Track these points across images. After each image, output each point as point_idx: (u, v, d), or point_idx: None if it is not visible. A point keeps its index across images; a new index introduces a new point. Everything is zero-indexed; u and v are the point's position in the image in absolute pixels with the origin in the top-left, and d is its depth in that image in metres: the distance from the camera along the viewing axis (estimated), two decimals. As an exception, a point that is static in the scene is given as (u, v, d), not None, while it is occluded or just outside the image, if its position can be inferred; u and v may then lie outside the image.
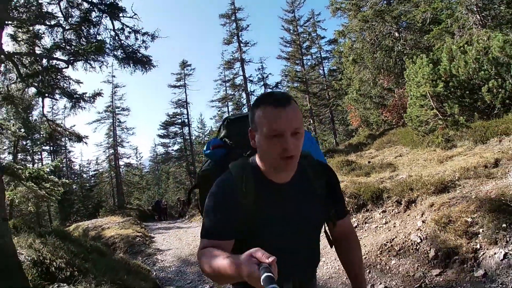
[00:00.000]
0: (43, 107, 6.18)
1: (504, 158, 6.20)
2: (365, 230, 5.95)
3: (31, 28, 5.05)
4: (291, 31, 27.63)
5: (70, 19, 5.32)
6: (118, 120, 29.63)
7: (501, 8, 11.47)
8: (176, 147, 33.42)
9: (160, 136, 32.79)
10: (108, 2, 5.44)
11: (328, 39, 28.77)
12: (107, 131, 29.88)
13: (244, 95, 27.54)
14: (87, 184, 32.16)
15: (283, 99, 1.19)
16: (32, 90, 5.84)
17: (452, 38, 11.53)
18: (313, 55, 29.34)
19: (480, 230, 4.14)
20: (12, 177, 5.53)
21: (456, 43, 9.92)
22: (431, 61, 9.71)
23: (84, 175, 34.46)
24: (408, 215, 5.48)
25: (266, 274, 0.83)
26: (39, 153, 29.66)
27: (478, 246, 3.98)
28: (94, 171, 34.64)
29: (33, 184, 5.79)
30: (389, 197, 6.19)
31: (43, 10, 5.00)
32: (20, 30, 4.97)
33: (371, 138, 15.27)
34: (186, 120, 32.03)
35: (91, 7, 5.36)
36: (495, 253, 3.74)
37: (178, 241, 10.25)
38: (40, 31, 5.24)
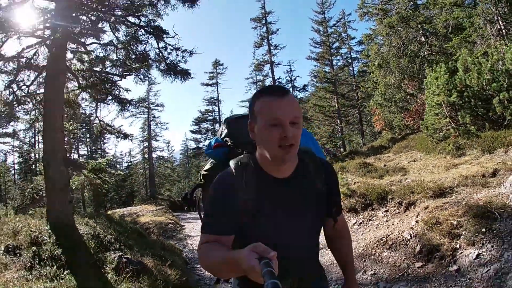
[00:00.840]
0: (96, 110, 7.40)
1: (503, 168, 6.67)
2: (368, 226, 6.68)
3: (93, 52, 6.21)
4: (321, 32, 28.05)
5: (121, 37, 6.47)
6: (152, 115, 31.34)
7: None
8: (207, 142, 34.70)
9: (192, 131, 34.43)
10: (153, 25, 6.52)
11: (358, 39, 28.82)
12: (142, 125, 31.65)
13: None
14: (121, 173, 34.12)
15: (281, 90, 1.25)
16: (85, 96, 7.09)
17: (472, 47, 11.81)
18: (343, 55, 29.61)
19: (463, 232, 4.77)
20: (76, 168, 6.71)
21: (473, 54, 10.26)
22: (449, 70, 10.10)
23: (118, 166, 36.52)
24: (406, 215, 6.15)
25: (266, 269, 0.84)
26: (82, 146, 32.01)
27: (457, 246, 4.63)
28: (127, 162, 36.69)
29: (93, 174, 6.95)
30: (392, 198, 6.85)
31: (99, 34, 6.15)
32: (85, 54, 6.13)
33: (392, 142, 15.65)
34: (218, 117, 33.34)
35: (139, 28, 6.45)
36: (470, 253, 4.38)
37: (206, 229, 11.32)
38: (98, 52, 6.42)
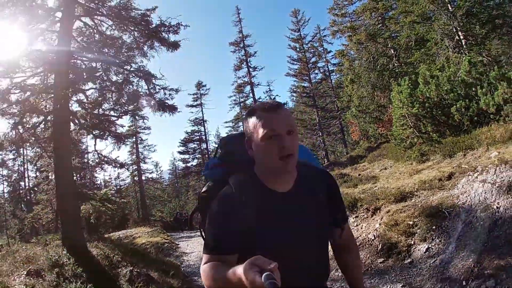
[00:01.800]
0: (95, 144, 8.24)
1: (458, 172, 7.48)
2: None
3: (93, 99, 7.09)
4: (298, 49, 29.33)
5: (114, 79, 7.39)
6: (140, 138, 32.00)
7: (476, 28, 12.65)
8: (195, 161, 35.61)
9: (179, 152, 35.18)
10: (143, 70, 7.47)
11: (334, 52, 30.30)
12: (130, 149, 32.23)
13: None
14: (125, 201, 34.32)
15: (275, 104, 1.28)
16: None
17: (434, 60, 13.00)
18: (321, 69, 30.99)
19: (417, 231, 5.63)
20: (86, 200, 7.52)
21: (433, 67, 11.41)
22: (411, 84, 11.20)
23: (105, 190, 36.73)
24: (373, 219, 6.99)
25: (269, 281, 0.83)
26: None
27: (412, 242, 5.49)
28: (116, 185, 37.03)
29: (99, 203, 7.76)
30: (361, 205, 7.68)
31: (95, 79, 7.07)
32: (86, 101, 7.00)
33: (369, 151, 16.71)
34: (204, 137, 34.24)
35: (131, 73, 7.38)
36: (421, 248, 5.21)
37: (200, 246, 12.01)
38: (95, 96, 7.30)
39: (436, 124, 10.43)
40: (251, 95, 28.83)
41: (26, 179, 31.27)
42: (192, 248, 11.80)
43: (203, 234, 1.48)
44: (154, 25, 7.48)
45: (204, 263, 1.24)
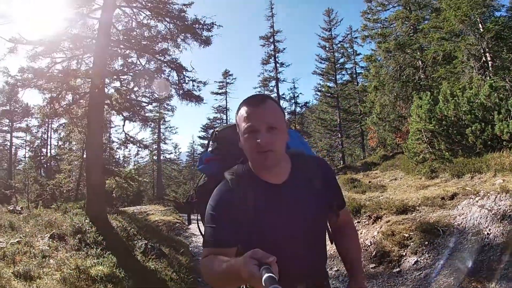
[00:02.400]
0: (123, 125, 8.96)
1: (461, 193, 7.69)
2: None
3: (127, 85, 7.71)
4: (327, 49, 29.45)
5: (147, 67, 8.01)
6: (163, 119, 32.91)
7: (503, 52, 12.59)
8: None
9: (200, 137, 36.20)
10: (175, 61, 8.06)
11: (363, 55, 30.19)
12: (152, 129, 33.26)
13: None
14: (146, 180, 35.28)
15: (258, 99, 1.30)
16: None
17: (457, 78, 13.00)
18: (348, 70, 30.92)
19: (411, 243, 5.99)
20: (111, 175, 8.28)
21: (455, 86, 11.48)
22: (433, 100, 11.34)
23: (125, 165, 38.10)
24: (373, 226, 7.35)
25: (267, 274, 0.84)
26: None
27: (404, 253, 5.87)
28: (134, 162, 38.33)
29: (123, 180, 8.53)
30: (365, 212, 8.07)
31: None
32: (121, 86, 7.64)
33: (384, 159, 16.88)
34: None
35: (164, 64, 7.98)
36: (411, 260, 5.61)
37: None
38: (131, 86, 7.96)
39: (450, 143, 10.57)
40: (275, 90, 29.09)
41: (48, 147, 32.76)
42: (202, 230, 12.47)
43: (200, 229, 1.56)
44: (189, 21, 8.02)
45: (204, 257, 1.27)
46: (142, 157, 36.58)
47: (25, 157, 33.52)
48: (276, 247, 1.13)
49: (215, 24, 8.31)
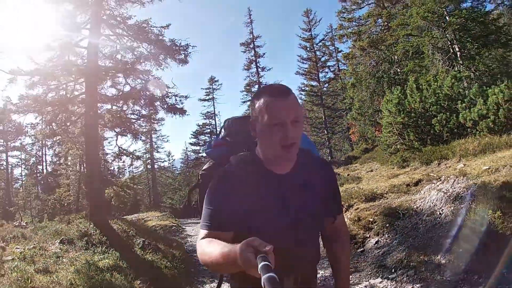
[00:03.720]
0: (116, 139, 9.87)
1: (425, 179, 8.37)
2: None
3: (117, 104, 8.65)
4: (308, 49, 30.37)
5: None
6: (154, 129, 33.69)
7: (468, 43, 13.25)
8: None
9: (191, 143, 37.10)
10: (158, 80, 9.03)
11: (345, 51, 31.15)
12: (144, 139, 34.03)
13: None
14: (141, 188, 35.83)
15: (283, 90, 1.27)
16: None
17: (426, 72, 13.90)
18: (331, 67, 31.94)
19: (374, 227, 6.79)
20: (109, 185, 9.22)
21: (420, 80, 12.36)
22: (402, 93, 12.18)
23: (120, 176, 38.81)
24: (345, 214, 8.23)
25: (263, 263, 0.85)
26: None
27: (368, 236, 6.69)
28: (129, 172, 39.09)
29: (119, 188, 9.50)
30: None
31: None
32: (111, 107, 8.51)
33: (365, 152, 17.84)
34: (215, 130, 35.73)
35: (147, 83, 8.90)
36: (373, 240, 6.45)
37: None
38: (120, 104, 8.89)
39: (419, 133, 11.42)
40: (258, 94, 29.95)
41: (44, 163, 33.24)
42: (197, 231, 13.33)
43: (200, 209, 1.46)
44: (167, 43, 8.92)
45: (201, 239, 1.26)
46: (137, 167, 37.27)
47: (21, 175, 33.97)
48: (270, 235, 1.12)
49: (190, 45, 9.34)
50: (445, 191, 6.61)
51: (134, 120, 9.46)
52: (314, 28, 30.50)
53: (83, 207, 15.41)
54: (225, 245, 1.11)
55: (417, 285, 4.60)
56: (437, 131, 11.06)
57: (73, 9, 8.50)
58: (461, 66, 13.07)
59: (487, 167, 6.86)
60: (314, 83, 30.14)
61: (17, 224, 13.82)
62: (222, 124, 1.82)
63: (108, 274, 4.80)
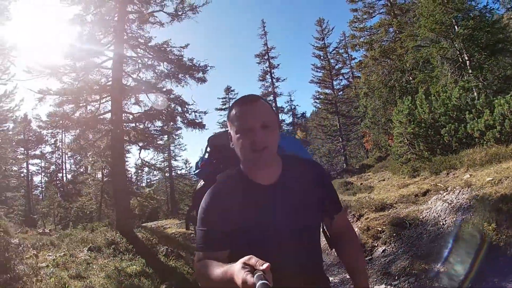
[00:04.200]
0: (139, 153, 10.60)
1: (433, 189, 8.56)
2: None
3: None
4: (321, 57, 30.78)
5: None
6: (172, 137, 34.62)
7: (475, 53, 13.32)
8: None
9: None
10: (179, 98, 9.63)
11: (359, 59, 31.33)
12: (162, 148, 35.01)
13: None
14: (163, 199, 36.45)
15: (250, 98, 1.32)
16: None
17: (436, 82, 14.09)
18: (345, 75, 32.19)
19: (382, 236, 7.16)
20: (134, 196, 9.99)
21: (429, 91, 12.61)
22: (413, 103, 12.45)
23: (138, 183, 39.88)
24: (356, 224, 8.54)
25: (261, 281, 0.84)
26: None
27: (376, 244, 7.06)
28: (147, 179, 40.16)
29: (143, 199, 10.21)
30: (350, 211, 9.23)
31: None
32: (135, 124, 9.26)
33: (378, 161, 18.05)
34: (230, 138, 36.40)
35: (170, 101, 9.60)
36: (381, 249, 6.84)
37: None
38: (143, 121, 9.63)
39: (429, 143, 11.64)
40: (273, 104, 30.50)
41: (64, 171, 34.48)
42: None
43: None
44: (186, 65, 9.64)
45: (197, 261, 1.28)
46: (154, 175, 38.27)
47: (41, 183, 35.11)
48: (265, 248, 1.15)
49: (208, 66, 10.16)
50: (450, 202, 6.88)
51: (156, 136, 10.20)
52: (327, 37, 30.98)
53: (106, 215, 16.16)
54: (221, 266, 1.12)
55: (421, 292, 4.97)
56: (446, 141, 11.21)
57: (97, 30, 9.30)
58: (470, 75, 13.12)
59: (491, 179, 6.98)
60: (328, 91, 30.40)
61: (41, 231, 14.59)
62: (207, 142, 1.83)
63: (136, 279, 5.38)
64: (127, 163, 22.04)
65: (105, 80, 9.54)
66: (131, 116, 9.66)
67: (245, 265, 0.95)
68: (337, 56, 31.42)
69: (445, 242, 5.75)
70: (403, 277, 5.54)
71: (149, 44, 9.58)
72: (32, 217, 21.76)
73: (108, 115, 9.11)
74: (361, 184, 13.02)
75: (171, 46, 9.59)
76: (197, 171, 1.76)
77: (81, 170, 27.44)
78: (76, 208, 17.28)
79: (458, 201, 6.73)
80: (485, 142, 10.01)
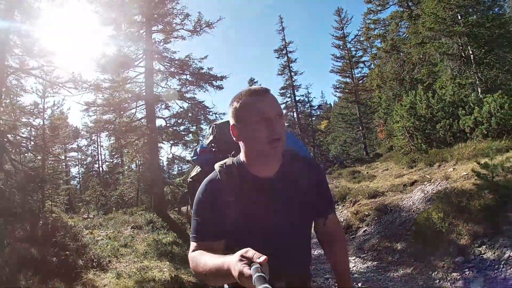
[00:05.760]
0: (171, 148, 12.71)
1: (420, 180, 9.33)
2: None
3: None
4: (341, 47, 31.30)
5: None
6: (196, 136, 36.65)
7: (475, 49, 13.67)
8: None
9: (231, 141, 40.03)
10: (201, 103, 11.55)
11: (379, 46, 31.31)
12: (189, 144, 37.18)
13: (295, 115, 31.99)
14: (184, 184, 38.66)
15: (262, 89, 1.32)
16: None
17: (438, 77, 14.84)
18: (366, 62, 32.52)
19: (367, 219, 8.50)
20: (167, 184, 12.16)
21: (429, 87, 13.52)
22: (415, 98, 13.38)
23: (170, 171, 42.31)
24: (351, 208, 9.84)
25: (257, 274, 0.86)
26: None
27: (361, 226, 8.41)
28: (178, 168, 42.54)
29: (175, 187, 12.38)
30: (349, 198, 10.31)
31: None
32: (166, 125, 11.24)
33: (390, 150, 18.98)
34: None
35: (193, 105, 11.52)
36: (363, 229, 8.24)
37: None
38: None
39: (426, 137, 12.64)
40: (292, 97, 31.57)
41: (99, 162, 36.75)
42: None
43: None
44: (206, 75, 11.49)
45: (192, 251, 1.28)
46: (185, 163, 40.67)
47: (78, 174, 37.33)
48: (260, 240, 1.16)
49: (224, 77, 11.92)
50: (426, 192, 7.93)
51: (184, 134, 12.23)
52: (346, 27, 31.22)
53: (143, 202, 18.30)
54: (217, 257, 1.11)
55: (375, 262, 6.46)
56: (442, 135, 12.07)
57: (129, 47, 11.24)
58: (471, 71, 13.60)
59: (466, 173, 7.77)
60: (348, 80, 31.00)
61: (86, 216, 16.59)
62: (208, 130, 1.84)
63: (169, 247, 7.32)
64: (161, 156, 24.22)
65: (138, 89, 11.56)
66: (162, 120, 11.83)
67: (242, 257, 0.96)
68: (358, 44, 31.72)
69: (408, 226, 6.98)
70: (370, 252, 7.01)
71: (174, 58, 11.51)
72: (75, 205, 24.00)
73: (144, 119, 11.17)
74: (367, 173, 14.21)
75: (192, 59, 11.49)
76: (195, 157, 1.76)
77: (117, 161, 29.91)
78: (116, 196, 19.66)
79: (433, 192, 7.69)
80: (476, 137, 10.73)
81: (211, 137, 1.78)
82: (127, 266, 6.24)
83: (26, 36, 8.61)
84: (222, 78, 11.94)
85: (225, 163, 1.39)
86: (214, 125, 1.81)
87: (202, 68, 11.87)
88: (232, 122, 1.35)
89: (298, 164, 1.44)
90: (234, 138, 1.35)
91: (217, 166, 1.39)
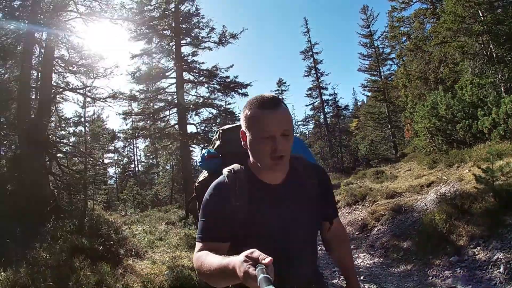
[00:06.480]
0: (201, 150, 13.70)
1: (437, 181, 9.57)
2: (351, 213, 10.69)
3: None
4: (368, 45, 31.22)
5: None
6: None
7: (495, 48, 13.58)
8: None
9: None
10: (228, 110, 12.51)
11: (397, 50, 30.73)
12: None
13: (321, 116, 32.29)
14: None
15: (272, 102, 1.28)
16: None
17: (459, 77, 14.73)
18: (394, 60, 32.10)
19: (382, 218, 8.92)
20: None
21: (449, 88, 13.59)
22: (435, 99, 13.50)
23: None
24: (369, 208, 10.25)
25: (263, 275, 0.86)
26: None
27: (376, 225, 8.82)
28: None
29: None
30: (368, 198, 10.64)
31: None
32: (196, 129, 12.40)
33: (415, 150, 18.99)
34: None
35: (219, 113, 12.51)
36: (378, 228, 8.72)
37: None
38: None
39: (447, 137, 12.79)
40: (319, 97, 31.84)
41: (135, 162, 38.29)
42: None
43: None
44: (232, 83, 12.44)
45: (197, 251, 1.29)
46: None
47: (115, 174, 38.65)
48: (267, 245, 1.12)
49: (249, 85, 12.85)
50: (439, 194, 8.01)
51: (213, 139, 13.29)
52: (373, 24, 31.08)
53: (176, 200, 19.48)
54: (223, 258, 1.12)
55: (381, 259, 7.00)
56: (461, 136, 12.19)
57: (161, 59, 12.41)
58: (489, 71, 13.50)
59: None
60: (376, 78, 30.81)
61: (123, 214, 17.81)
62: (215, 134, 1.86)
63: (199, 241, 8.33)
64: (193, 157, 25.52)
65: (171, 98, 12.72)
66: (193, 126, 12.95)
67: (248, 258, 0.97)
68: (386, 41, 31.30)
69: (417, 226, 7.35)
70: (380, 249, 7.50)
71: (202, 68, 12.58)
72: (114, 203, 25.37)
73: (176, 125, 12.32)
74: (390, 173, 14.45)
75: (219, 68, 12.49)
76: (202, 162, 1.75)
77: (152, 162, 31.27)
78: (151, 194, 21.02)
79: (445, 193, 7.78)
80: (493, 138, 10.79)
81: (218, 142, 1.79)
82: (161, 255, 7.15)
83: (69, 58, 9.87)
84: (247, 85, 12.93)
85: (233, 168, 1.41)
86: (220, 130, 1.82)
87: (228, 77, 12.97)
88: (243, 127, 1.36)
89: (305, 170, 1.47)
90: (243, 143, 1.37)
91: (225, 170, 1.41)
